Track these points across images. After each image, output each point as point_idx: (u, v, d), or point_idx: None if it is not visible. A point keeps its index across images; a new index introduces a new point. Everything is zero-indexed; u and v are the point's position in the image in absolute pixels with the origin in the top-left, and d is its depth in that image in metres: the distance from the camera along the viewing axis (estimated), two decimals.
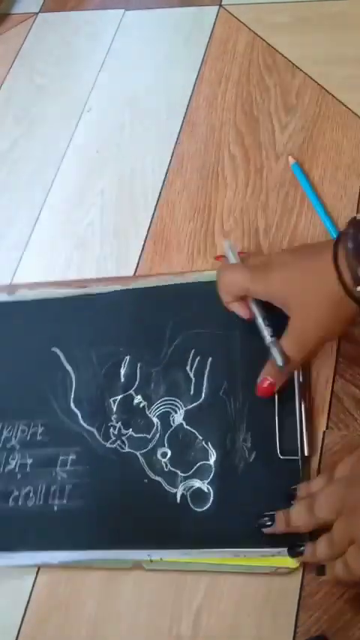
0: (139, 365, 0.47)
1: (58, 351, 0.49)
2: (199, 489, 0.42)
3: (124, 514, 0.42)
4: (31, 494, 0.44)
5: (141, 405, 0.46)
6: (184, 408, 0.45)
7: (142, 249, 0.55)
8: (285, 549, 0.38)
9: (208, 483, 0.42)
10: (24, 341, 0.51)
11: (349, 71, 0.60)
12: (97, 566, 0.41)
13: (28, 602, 0.42)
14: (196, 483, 0.42)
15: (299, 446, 0.41)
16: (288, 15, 0.66)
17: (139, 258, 0.54)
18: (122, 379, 0.47)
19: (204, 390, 0.45)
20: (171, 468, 0.43)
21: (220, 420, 0.44)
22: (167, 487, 0.42)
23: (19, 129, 0.67)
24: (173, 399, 0.45)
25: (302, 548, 0.37)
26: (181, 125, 0.61)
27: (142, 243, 0.55)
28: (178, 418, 0.45)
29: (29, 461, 0.45)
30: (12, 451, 0.46)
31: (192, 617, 0.39)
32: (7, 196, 0.62)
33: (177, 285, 0.50)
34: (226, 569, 0.40)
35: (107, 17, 0.73)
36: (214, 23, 0.67)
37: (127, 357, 0.48)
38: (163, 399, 0.46)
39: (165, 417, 0.45)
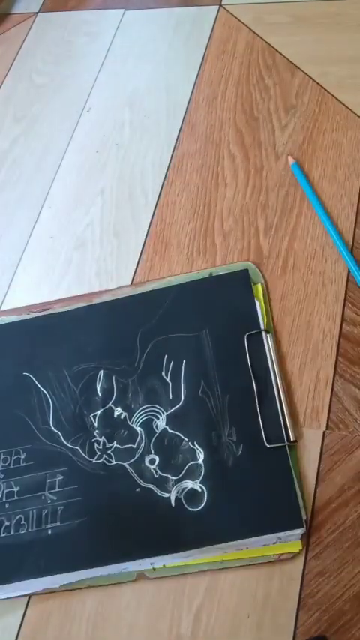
0: (114, 377, 0.47)
1: (29, 375, 0.49)
2: (193, 490, 0.42)
3: (121, 526, 0.42)
4: (22, 522, 0.43)
5: (122, 417, 0.45)
6: (166, 413, 0.45)
7: (142, 248, 0.55)
8: (285, 533, 0.39)
9: (200, 483, 0.42)
10: None
11: (349, 71, 0.60)
12: (100, 583, 0.41)
13: (27, 602, 0.42)
14: (189, 484, 0.42)
15: (284, 432, 0.42)
16: (288, 15, 0.66)
17: (139, 258, 0.54)
18: (99, 394, 0.47)
19: (183, 393, 0.45)
20: (161, 474, 0.43)
21: (203, 419, 0.44)
22: (160, 493, 0.42)
23: (18, 128, 0.67)
24: (153, 405, 0.45)
25: None
26: (181, 125, 0.61)
27: (142, 243, 0.55)
28: (161, 424, 0.45)
29: (16, 489, 0.44)
30: None
31: (192, 617, 0.39)
32: (6, 196, 0.62)
33: (139, 295, 0.51)
34: (230, 565, 0.40)
35: (107, 17, 0.73)
36: (214, 23, 0.68)
37: (102, 372, 0.48)
38: (143, 407, 0.46)
39: (148, 425, 0.45)
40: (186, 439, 0.44)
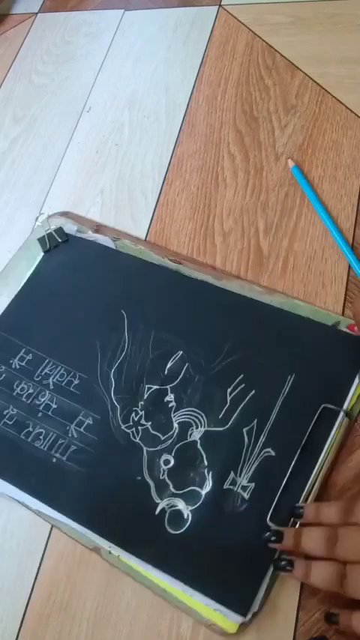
0: (187, 365, 0.46)
1: (125, 314, 0.49)
2: (180, 512, 0.41)
3: (106, 501, 0.43)
4: (40, 437, 0.46)
5: (169, 405, 0.45)
6: (206, 428, 0.44)
7: None
8: (226, 610, 0.37)
9: (191, 510, 0.41)
10: (104, 290, 0.51)
11: (349, 71, 0.60)
12: (63, 529, 0.43)
13: (27, 604, 0.42)
14: (180, 505, 0.41)
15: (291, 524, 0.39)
16: (288, 15, 0.66)
17: None
18: (165, 372, 0.46)
19: (232, 420, 0.43)
20: (166, 478, 0.43)
21: (232, 456, 0.42)
22: (154, 495, 0.42)
23: (18, 128, 0.67)
24: (200, 413, 0.44)
25: (285, 562, 0.36)
26: (181, 125, 0.61)
27: None
28: (196, 435, 0.43)
29: (54, 405, 0.47)
30: (45, 389, 0.48)
31: (192, 617, 0.39)
32: (6, 196, 0.62)
33: (259, 303, 0.48)
34: (167, 598, 0.39)
35: (107, 17, 0.73)
36: (214, 23, 0.68)
37: (180, 353, 0.47)
38: (191, 408, 0.45)
39: (185, 427, 0.44)
40: (206, 463, 0.42)
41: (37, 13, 0.77)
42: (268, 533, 0.38)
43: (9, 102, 0.69)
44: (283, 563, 0.36)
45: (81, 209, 0.59)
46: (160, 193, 0.57)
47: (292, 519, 0.39)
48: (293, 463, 0.41)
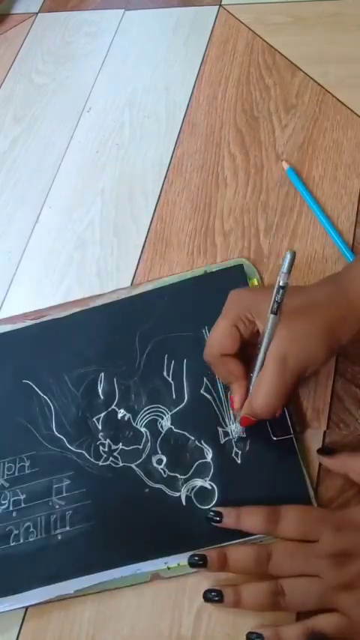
0: (115, 380, 0.47)
1: (29, 382, 0.48)
2: (203, 488, 0.42)
3: (133, 527, 0.42)
4: (31, 529, 0.43)
5: (126, 418, 0.45)
6: (170, 413, 0.45)
7: (142, 248, 0.55)
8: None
9: (209, 480, 0.42)
10: None
11: (349, 71, 0.60)
12: (113, 586, 0.40)
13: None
14: (198, 482, 0.42)
15: (290, 424, 0.42)
16: (288, 15, 0.66)
17: (139, 258, 0.54)
18: (102, 397, 0.47)
19: (186, 392, 0.45)
20: (170, 473, 0.43)
21: (208, 416, 0.44)
22: (170, 492, 0.42)
23: (18, 128, 0.67)
24: (157, 406, 0.45)
25: (214, 594, 0.37)
26: (181, 125, 0.61)
27: (142, 242, 0.55)
28: (166, 423, 0.44)
29: (22, 496, 0.44)
30: (2, 490, 0.44)
31: (192, 617, 0.39)
32: (6, 196, 0.62)
33: (135, 297, 0.51)
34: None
35: (107, 17, 0.73)
36: (214, 23, 0.68)
37: (102, 374, 0.47)
38: (146, 407, 0.45)
39: (153, 425, 0.45)
40: (192, 438, 0.44)
41: (37, 13, 0.77)
42: (192, 556, 0.38)
43: (9, 102, 0.69)
44: (212, 595, 0.37)
45: (81, 209, 0.59)
46: (160, 193, 0.57)
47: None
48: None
